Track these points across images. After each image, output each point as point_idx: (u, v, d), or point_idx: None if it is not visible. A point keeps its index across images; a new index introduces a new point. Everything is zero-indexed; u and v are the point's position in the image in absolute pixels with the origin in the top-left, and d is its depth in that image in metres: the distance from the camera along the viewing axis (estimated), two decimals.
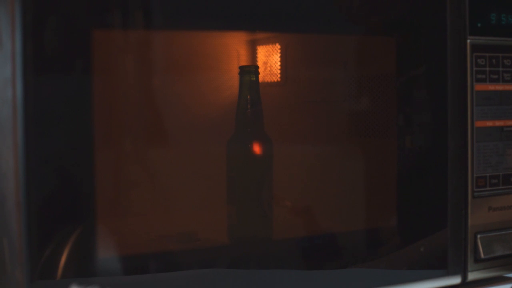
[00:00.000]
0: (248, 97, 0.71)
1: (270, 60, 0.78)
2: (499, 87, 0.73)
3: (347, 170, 0.75)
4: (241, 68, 0.72)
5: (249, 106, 0.71)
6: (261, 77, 0.73)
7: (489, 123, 0.73)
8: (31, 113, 0.52)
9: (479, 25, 0.72)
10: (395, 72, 0.71)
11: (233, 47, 0.75)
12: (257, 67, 0.74)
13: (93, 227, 0.56)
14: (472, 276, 0.72)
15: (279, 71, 0.77)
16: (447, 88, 0.71)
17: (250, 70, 0.72)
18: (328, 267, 0.66)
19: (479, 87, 0.72)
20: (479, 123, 0.72)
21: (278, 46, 0.77)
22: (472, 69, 0.72)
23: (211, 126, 0.73)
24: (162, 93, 0.69)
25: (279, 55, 0.77)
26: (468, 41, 0.71)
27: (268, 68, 0.78)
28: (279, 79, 0.78)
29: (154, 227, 0.67)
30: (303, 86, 0.77)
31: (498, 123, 0.73)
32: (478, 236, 0.72)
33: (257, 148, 0.72)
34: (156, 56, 0.67)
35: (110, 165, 0.62)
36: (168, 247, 0.65)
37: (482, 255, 0.72)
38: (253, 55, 0.78)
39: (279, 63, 0.77)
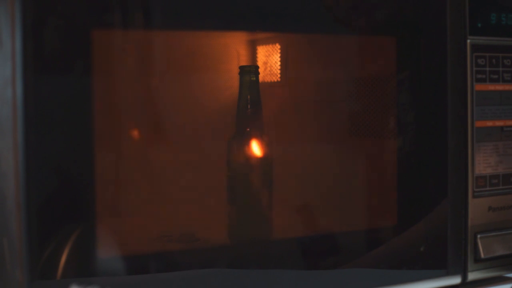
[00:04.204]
0: (248, 97, 0.71)
1: (270, 60, 0.78)
2: (499, 87, 0.73)
3: (347, 170, 0.75)
4: (241, 68, 0.72)
5: (249, 106, 0.71)
6: (261, 77, 0.73)
7: (489, 123, 0.73)
8: (31, 113, 0.52)
9: (479, 25, 0.72)
10: (395, 72, 0.71)
11: (233, 47, 0.75)
12: (257, 67, 0.74)
13: (93, 227, 0.56)
14: (472, 276, 0.72)
15: (279, 71, 0.77)
16: (447, 88, 0.71)
17: (250, 70, 0.72)
18: (328, 267, 0.66)
19: (479, 87, 0.72)
20: (479, 123, 0.72)
21: (278, 46, 0.77)
22: (472, 69, 0.72)
23: (211, 126, 0.73)
24: (162, 93, 0.69)
25: (279, 55, 0.77)
26: (468, 41, 0.71)
27: (268, 68, 0.78)
28: (279, 79, 0.78)
29: (154, 227, 0.67)
30: (303, 86, 0.77)
31: (498, 123, 0.73)
32: (478, 236, 0.72)
33: (257, 148, 0.72)
34: (156, 56, 0.67)
35: (110, 165, 0.62)
36: (168, 247, 0.65)
37: (482, 255, 0.72)
38: (253, 55, 0.78)
39: (279, 63, 0.77)
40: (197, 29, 0.64)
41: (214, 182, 0.73)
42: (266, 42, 0.77)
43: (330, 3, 0.66)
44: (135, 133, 0.68)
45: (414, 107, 0.71)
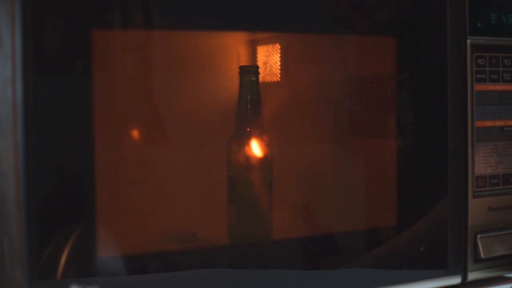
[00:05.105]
0: (248, 97, 0.71)
1: (270, 60, 0.78)
2: (499, 87, 0.73)
3: (347, 170, 0.75)
4: (241, 68, 0.72)
5: (249, 106, 0.71)
6: (261, 77, 0.73)
7: (489, 123, 0.73)
8: (31, 113, 0.52)
9: (479, 25, 0.72)
10: (395, 72, 0.71)
11: (233, 47, 0.75)
12: (257, 67, 0.74)
13: (93, 227, 0.56)
14: (472, 276, 0.72)
15: (279, 71, 0.77)
16: (447, 88, 0.71)
17: (250, 70, 0.72)
18: (328, 267, 0.66)
19: (479, 87, 0.72)
20: (479, 123, 0.72)
21: (278, 46, 0.77)
22: (472, 69, 0.72)
23: (211, 126, 0.73)
24: (162, 93, 0.69)
25: (279, 55, 0.77)
26: (468, 41, 0.71)
27: (268, 68, 0.78)
28: (279, 79, 0.78)
29: (154, 227, 0.67)
30: (303, 86, 0.77)
31: (498, 123, 0.73)
32: (478, 236, 0.72)
33: (257, 148, 0.72)
34: (156, 56, 0.67)
35: (110, 165, 0.62)
36: (168, 247, 0.65)
37: (482, 255, 0.72)
38: (253, 55, 0.78)
39: (279, 63, 0.77)
40: (197, 29, 0.64)
41: (214, 182, 0.73)
42: (266, 42, 0.77)
43: (330, 3, 0.66)
44: (135, 133, 0.68)
45: (414, 107, 0.71)
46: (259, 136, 0.72)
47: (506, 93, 0.74)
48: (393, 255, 0.70)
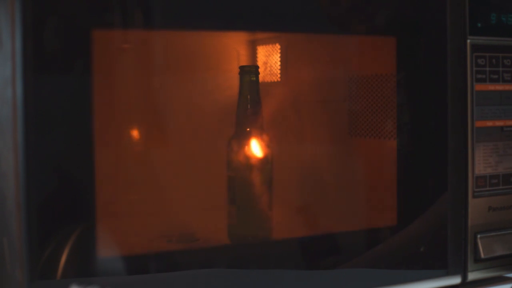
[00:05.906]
0: (248, 97, 0.71)
1: (270, 60, 0.78)
2: (499, 87, 0.73)
3: (347, 170, 0.75)
4: (241, 68, 0.72)
5: (249, 106, 0.71)
6: (261, 77, 0.73)
7: (489, 123, 0.73)
8: (31, 113, 0.53)
9: (479, 25, 0.72)
10: (395, 72, 0.71)
11: (233, 47, 0.75)
12: (257, 67, 0.74)
13: (93, 227, 0.56)
14: (472, 276, 0.72)
15: (279, 71, 0.77)
16: (447, 88, 0.71)
17: (250, 70, 0.72)
18: (328, 267, 0.66)
19: (479, 87, 0.72)
20: (479, 123, 0.72)
21: (278, 46, 0.77)
22: (472, 69, 0.72)
23: (211, 126, 0.73)
24: (162, 93, 0.69)
25: (279, 55, 0.77)
26: (468, 41, 0.71)
27: (268, 68, 0.78)
28: (279, 79, 0.78)
29: (154, 227, 0.67)
30: (303, 86, 0.77)
31: (498, 123, 0.73)
32: (478, 236, 0.72)
33: (257, 148, 0.72)
34: (156, 56, 0.67)
35: (110, 165, 0.62)
36: (168, 247, 0.65)
37: (482, 255, 0.72)
38: (253, 55, 0.78)
39: (279, 63, 0.77)
40: (197, 29, 0.64)
41: (214, 182, 0.73)
42: (266, 42, 0.77)
43: (330, 3, 0.66)
44: (135, 133, 0.68)
45: (414, 107, 0.71)
46: (259, 136, 0.72)
47: (506, 93, 0.74)
48: (393, 255, 0.70)
